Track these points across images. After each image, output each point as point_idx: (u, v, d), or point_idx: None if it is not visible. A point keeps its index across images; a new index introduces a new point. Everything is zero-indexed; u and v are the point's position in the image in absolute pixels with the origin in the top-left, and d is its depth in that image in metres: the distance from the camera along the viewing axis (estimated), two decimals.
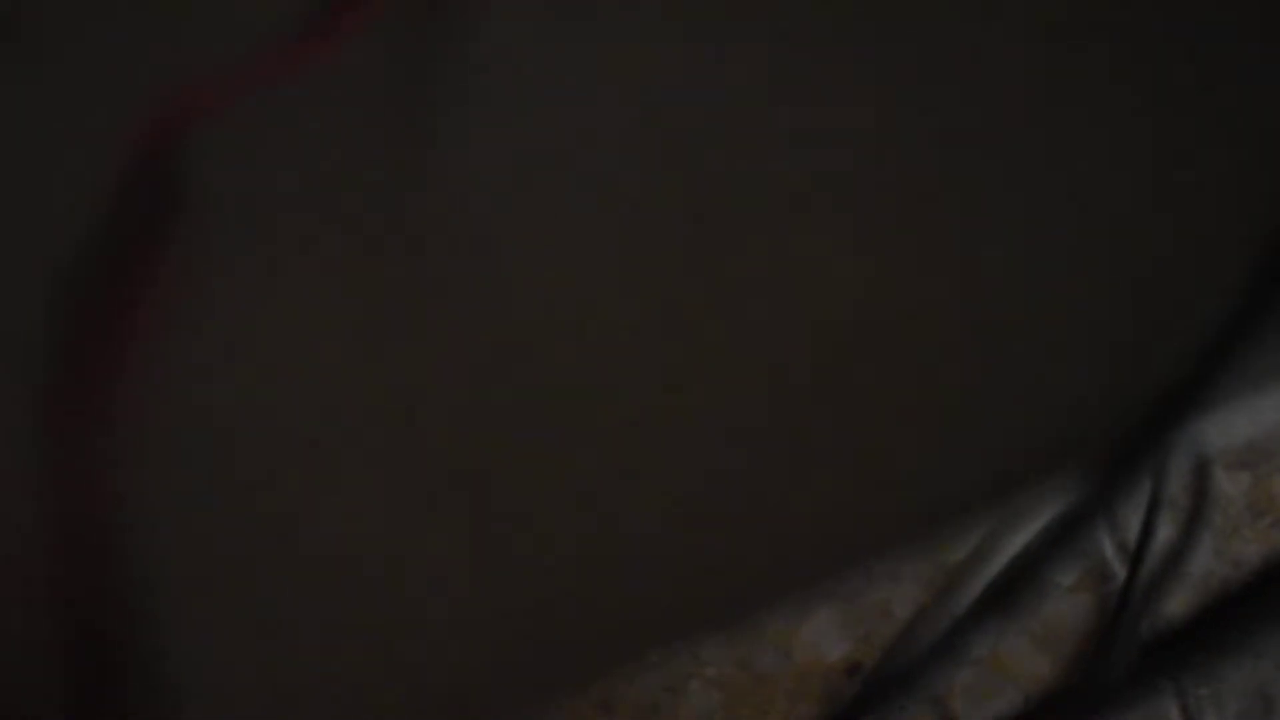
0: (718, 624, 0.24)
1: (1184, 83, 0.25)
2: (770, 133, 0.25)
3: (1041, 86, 0.25)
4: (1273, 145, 0.25)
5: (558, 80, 0.25)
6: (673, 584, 0.23)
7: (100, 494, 0.22)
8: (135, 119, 0.23)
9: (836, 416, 0.24)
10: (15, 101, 0.24)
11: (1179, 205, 0.25)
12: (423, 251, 0.24)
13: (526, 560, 0.23)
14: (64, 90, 0.24)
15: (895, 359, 0.24)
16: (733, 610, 0.23)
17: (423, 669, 0.23)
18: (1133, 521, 0.54)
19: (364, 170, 0.24)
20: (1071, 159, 0.25)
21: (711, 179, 0.25)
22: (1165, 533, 0.53)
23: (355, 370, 0.23)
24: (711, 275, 0.24)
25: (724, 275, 0.24)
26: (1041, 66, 0.25)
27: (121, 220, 0.23)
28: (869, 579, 0.24)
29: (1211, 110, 0.25)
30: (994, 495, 0.24)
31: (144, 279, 0.23)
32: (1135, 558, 0.49)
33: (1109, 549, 0.60)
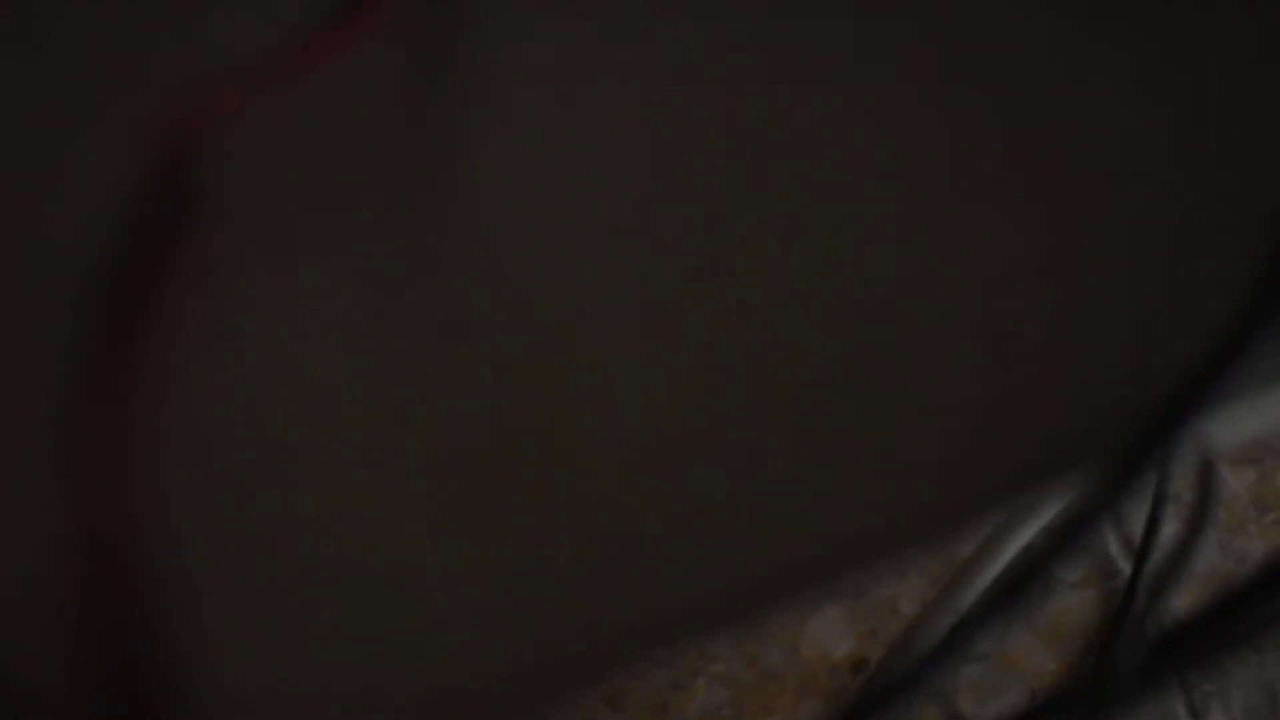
0: (724, 621, 0.24)
1: (1193, 84, 0.25)
2: (786, 132, 0.25)
3: (1051, 89, 0.25)
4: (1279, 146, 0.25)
5: (574, 81, 0.25)
6: (680, 581, 0.23)
7: (121, 500, 0.22)
8: (152, 121, 0.23)
9: (843, 414, 0.24)
10: (30, 105, 0.24)
11: (1187, 204, 0.25)
12: (437, 255, 0.24)
13: (534, 559, 0.23)
14: (80, 94, 0.24)
15: (902, 357, 0.24)
16: (739, 607, 0.24)
17: (433, 669, 0.23)
18: (1137, 517, 0.54)
19: (380, 172, 0.24)
20: (1083, 158, 0.25)
21: (727, 178, 0.25)
22: (1170, 529, 0.53)
23: (369, 375, 0.24)
24: (723, 275, 0.24)
25: (734, 276, 0.24)
26: (1057, 68, 0.25)
27: (140, 224, 0.23)
28: (875, 576, 0.24)
29: (1216, 111, 0.25)
30: (1000, 492, 0.24)
31: (163, 284, 0.23)
32: (1140, 554, 0.49)
33: (1113, 545, 0.60)
